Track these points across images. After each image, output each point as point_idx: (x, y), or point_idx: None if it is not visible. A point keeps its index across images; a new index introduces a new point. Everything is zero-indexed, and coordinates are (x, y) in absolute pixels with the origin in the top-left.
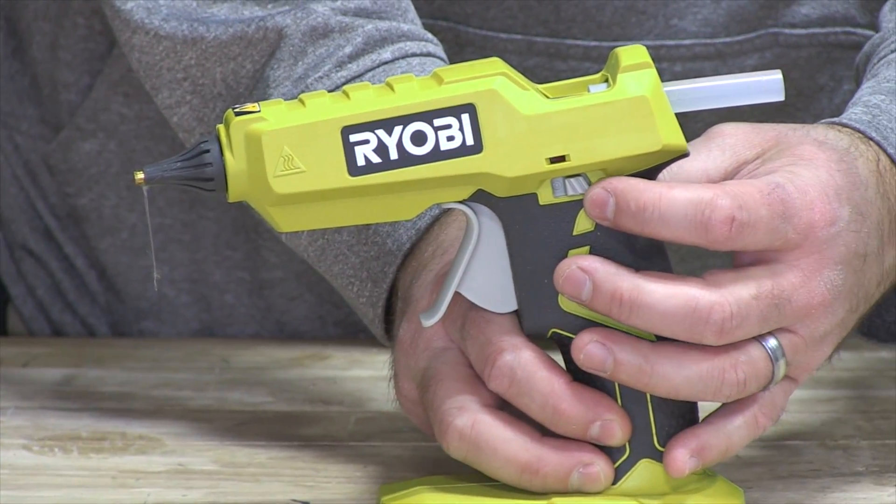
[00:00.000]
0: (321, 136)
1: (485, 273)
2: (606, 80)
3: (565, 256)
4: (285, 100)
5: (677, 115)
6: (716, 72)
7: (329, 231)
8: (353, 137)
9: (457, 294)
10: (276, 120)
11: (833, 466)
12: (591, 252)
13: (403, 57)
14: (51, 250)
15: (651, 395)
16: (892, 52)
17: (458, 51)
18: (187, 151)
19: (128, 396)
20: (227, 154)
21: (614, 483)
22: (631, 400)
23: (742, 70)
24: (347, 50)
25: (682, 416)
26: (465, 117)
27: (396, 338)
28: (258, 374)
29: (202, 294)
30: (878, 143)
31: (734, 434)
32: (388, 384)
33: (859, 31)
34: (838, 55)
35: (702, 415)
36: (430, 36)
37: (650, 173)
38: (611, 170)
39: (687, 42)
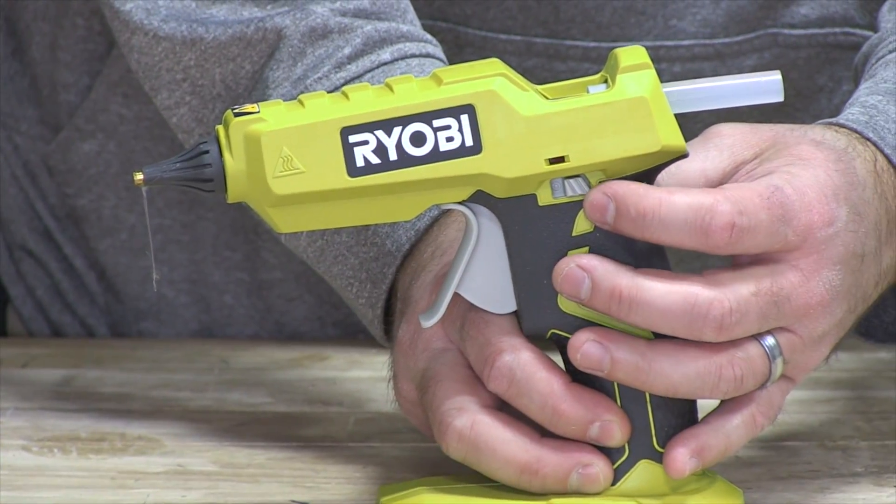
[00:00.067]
0: (320, 136)
1: (484, 274)
2: (606, 81)
3: (564, 257)
4: (284, 100)
5: (676, 115)
6: (715, 72)
7: (328, 232)
8: (353, 138)
9: (456, 295)
10: (275, 121)
11: (832, 467)
12: (591, 253)
13: (402, 58)
14: (50, 251)
15: (650, 396)
16: (889, 52)
17: (458, 52)
18: (186, 152)
19: (127, 397)
20: (227, 155)
21: (613, 484)
22: (630, 400)
23: (741, 70)
24: (346, 51)
25: (681, 416)
26: (465, 118)
27: (395, 339)
28: (257, 374)
29: (201, 295)
30: (874, 144)
31: (733, 434)
32: (388, 385)
33: (858, 31)
34: (837, 55)
35: (700, 415)
36: (429, 37)
37: (649, 174)
38: (610, 171)
39: (686, 43)
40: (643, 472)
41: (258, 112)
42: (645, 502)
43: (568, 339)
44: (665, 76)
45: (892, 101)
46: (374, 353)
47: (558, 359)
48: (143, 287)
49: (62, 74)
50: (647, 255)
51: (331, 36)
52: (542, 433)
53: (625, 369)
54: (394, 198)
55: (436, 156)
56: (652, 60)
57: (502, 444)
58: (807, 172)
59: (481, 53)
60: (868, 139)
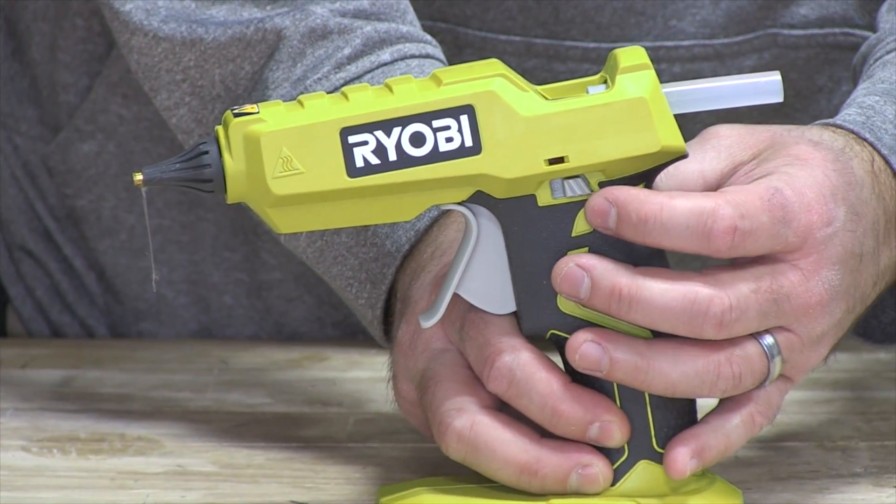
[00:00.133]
0: (320, 137)
1: (483, 274)
2: (605, 82)
3: (563, 257)
4: (284, 101)
5: (676, 116)
6: (714, 73)
7: (328, 232)
8: (352, 139)
9: (455, 295)
10: (274, 121)
11: (831, 468)
12: (590, 253)
13: (402, 58)
14: (50, 251)
15: (650, 396)
16: (887, 52)
17: (457, 52)
18: (186, 153)
19: (126, 398)
20: (226, 155)
21: (613, 484)
22: (630, 401)
23: (741, 71)
24: (346, 51)
25: (680, 417)
26: (464, 118)
27: (395, 339)
28: (257, 375)
29: (201, 295)
30: (871, 145)
31: (732, 434)
32: (387, 385)
33: (858, 31)
34: (837, 56)
35: (700, 415)
36: (428, 37)
37: (649, 175)
38: (610, 171)
39: (686, 43)
40: (643, 473)
41: (258, 113)
42: (644, 503)
43: (567, 339)
44: (664, 77)
45: (889, 102)
46: (374, 354)
47: (558, 359)
48: (143, 288)
49: (62, 75)
50: (646, 255)
51: (330, 37)
52: (542, 434)
53: (623, 369)
54: (393, 198)
55: (435, 156)
56: (651, 61)
57: (502, 444)
58: (805, 173)
59: (481, 54)
60: (865, 140)
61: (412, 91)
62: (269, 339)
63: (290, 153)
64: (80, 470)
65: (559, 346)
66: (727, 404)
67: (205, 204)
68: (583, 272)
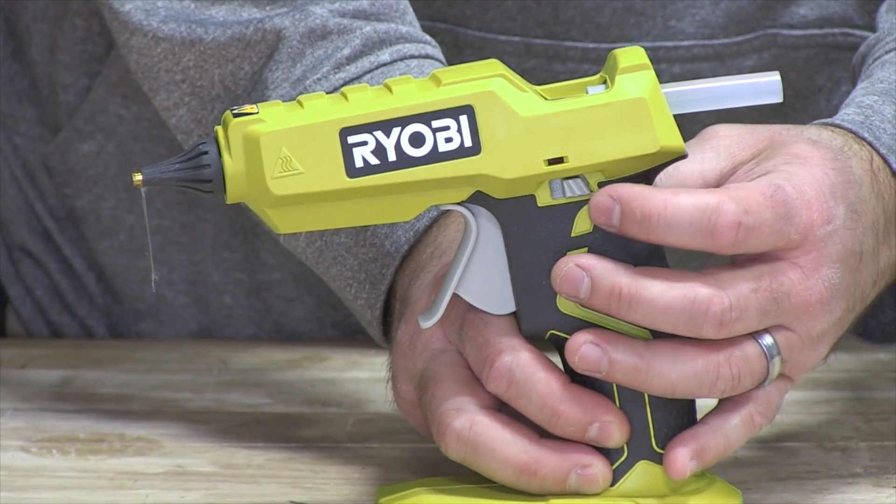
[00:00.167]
0: (319, 137)
1: (483, 275)
2: (605, 82)
3: (563, 257)
4: (283, 101)
5: (675, 116)
6: (714, 73)
7: (327, 233)
8: (352, 139)
9: (455, 295)
10: (274, 121)
11: (831, 468)
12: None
13: (402, 59)
14: (49, 252)
15: (649, 397)
16: (886, 52)
17: (457, 53)
18: (185, 153)
19: (126, 398)
20: (226, 155)
21: (612, 485)
22: (629, 401)
23: (740, 71)
24: (346, 52)
25: (680, 417)
26: (464, 119)
27: (394, 339)
28: (256, 375)
29: (200, 295)
30: (870, 144)
31: (732, 434)
32: (386, 386)
33: (857, 32)
34: (836, 56)
35: (699, 415)
36: (428, 38)
37: (648, 175)
38: (609, 171)
39: (685, 43)
40: (642, 473)
41: (257, 113)
42: (644, 503)
43: (566, 339)
44: (664, 77)
45: (888, 102)
46: (373, 354)
47: (557, 359)
48: (142, 288)
49: (61, 75)
50: (645, 256)
51: (330, 37)
52: (541, 434)
53: (623, 370)
54: (393, 198)
55: (435, 156)
56: (651, 61)
57: (501, 444)
58: (804, 171)
59: (480, 54)
60: (863, 139)
61: (411, 91)
62: (268, 340)
63: (289, 153)
64: (79, 470)
65: (558, 346)
66: (726, 404)
67: (204, 204)
68: (582, 272)
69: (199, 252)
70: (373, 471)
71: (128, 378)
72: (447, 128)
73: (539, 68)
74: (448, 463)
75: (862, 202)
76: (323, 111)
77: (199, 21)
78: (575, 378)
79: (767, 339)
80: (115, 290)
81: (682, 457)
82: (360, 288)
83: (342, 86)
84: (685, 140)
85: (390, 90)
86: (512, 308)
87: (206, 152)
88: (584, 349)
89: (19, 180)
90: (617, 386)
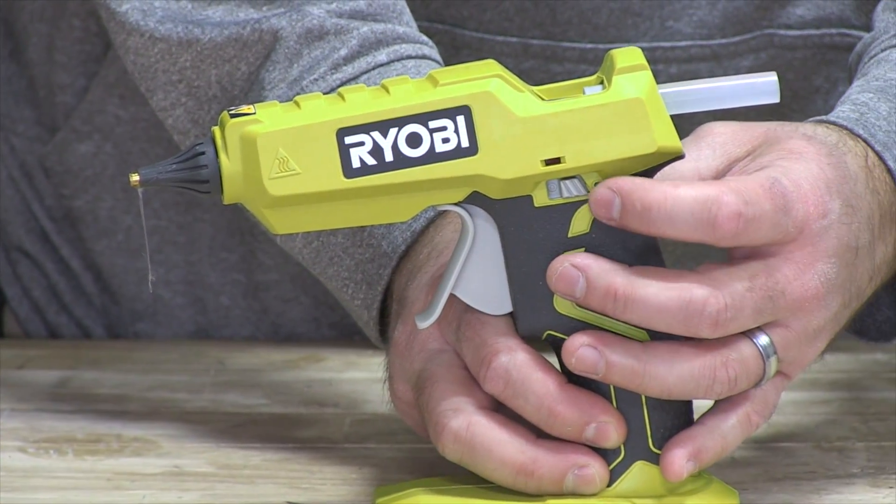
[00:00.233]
0: (316, 138)
1: (480, 275)
2: (602, 82)
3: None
4: (280, 102)
5: (673, 116)
6: (711, 73)
7: (324, 233)
8: (349, 139)
9: (452, 296)
10: (271, 122)
11: (828, 468)
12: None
13: (399, 59)
14: (47, 252)
15: (646, 398)
16: (882, 50)
17: (454, 53)
18: (182, 153)
19: (123, 398)
20: (223, 156)
21: (609, 485)
22: (626, 402)
23: (737, 71)
24: (343, 52)
25: (677, 417)
26: (461, 119)
27: (391, 340)
28: (253, 376)
29: (197, 296)
30: (865, 141)
31: (729, 434)
32: (383, 386)
33: (854, 32)
34: (833, 57)
35: (696, 415)
36: (425, 38)
37: (646, 175)
38: (606, 172)
39: (682, 44)
40: (639, 474)
41: (254, 113)
42: (640, 503)
43: (563, 340)
44: (661, 77)
45: (883, 99)
46: (370, 355)
47: (554, 360)
48: (140, 288)
49: (59, 76)
50: (643, 256)
51: (327, 37)
52: (538, 434)
53: (620, 372)
54: (390, 199)
55: (432, 157)
56: (648, 62)
57: (498, 445)
58: (799, 166)
59: (478, 55)
60: (858, 136)
61: (409, 92)
62: (265, 340)
63: (286, 154)
64: (76, 471)
65: (555, 346)
66: (723, 405)
67: (202, 205)
68: (578, 272)
69: (197, 252)
70: (370, 471)
71: (125, 378)
72: (444, 128)
73: (536, 69)
74: (445, 463)
75: (857, 197)
76: (320, 112)
77: (196, 21)
78: (572, 378)
79: (763, 339)
80: (112, 291)
81: (679, 458)
82: (356, 288)
83: (339, 86)
84: (681, 139)
85: (387, 91)
86: (509, 308)
87: (202, 153)
88: (582, 351)
89: (17, 181)
90: (614, 386)
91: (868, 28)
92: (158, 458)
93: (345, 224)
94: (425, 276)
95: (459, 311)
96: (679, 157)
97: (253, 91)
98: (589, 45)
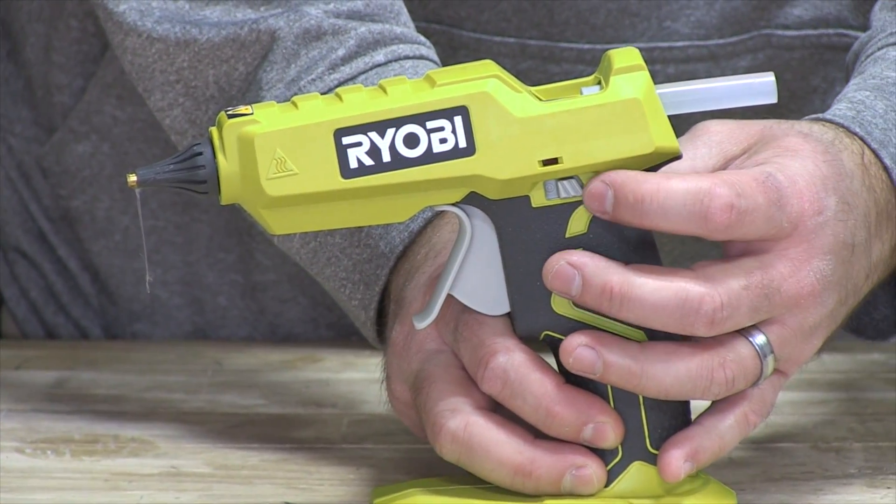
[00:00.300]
0: (314, 138)
1: (477, 275)
2: (599, 83)
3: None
4: (278, 102)
5: (670, 117)
6: (708, 73)
7: (321, 234)
8: (346, 140)
9: (450, 296)
10: (268, 122)
11: (825, 468)
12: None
13: (396, 59)
14: (44, 252)
15: (644, 398)
16: (878, 48)
17: (452, 54)
18: (180, 154)
19: (120, 399)
20: (220, 156)
21: (607, 485)
22: (623, 402)
23: (735, 72)
24: (340, 52)
25: (674, 418)
26: (458, 119)
27: (389, 340)
28: (251, 376)
29: (195, 296)
30: (861, 139)
31: (726, 434)
32: (381, 387)
33: (852, 32)
34: (831, 57)
35: (693, 415)
36: (422, 39)
37: None
38: (603, 172)
39: (680, 44)
40: (636, 474)
41: (252, 114)
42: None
43: (561, 340)
44: (659, 77)
45: (879, 97)
46: (368, 355)
47: (552, 360)
48: (137, 289)
49: (56, 76)
50: (640, 257)
51: (324, 37)
52: (536, 435)
53: (617, 373)
54: (387, 199)
55: (429, 157)
56: (646, 62)
57: (496, 445)
58: (795, 163)
59: (475, 55)
60: (855, 134)
61: (406, 92)
62: (263, 341)
63: (284, 154)
64: (74, 471)
65: (553, 346)
66: (721, 405)
67: (199, 205)
68: (574, 269)
69: (194, 253)
70: (367, 472)
71: (122, 379)
72: (442, 128)
73: (534, 69)
74: (443, 464)
75: (853, 195)
76: (317, 112)
77: (194, 21)
78: (569, 379)
79: (760, 339)
80: (109, 291)
81: (676, 459)
82: (354, 289)
83: (337, 86)
84: (678, 138)
85: (385, 91)
86: (506, 309)
87: (200, 153)
88: (579, 351)
89: (14, 181)
90: (611, 386)
91: (865, 28)
92: (156, 459)
93: (342, 224)
94: (423, 277)
95: (457, 311)
96: (677, 157)
97: (250, 91)
98: (586, 46)
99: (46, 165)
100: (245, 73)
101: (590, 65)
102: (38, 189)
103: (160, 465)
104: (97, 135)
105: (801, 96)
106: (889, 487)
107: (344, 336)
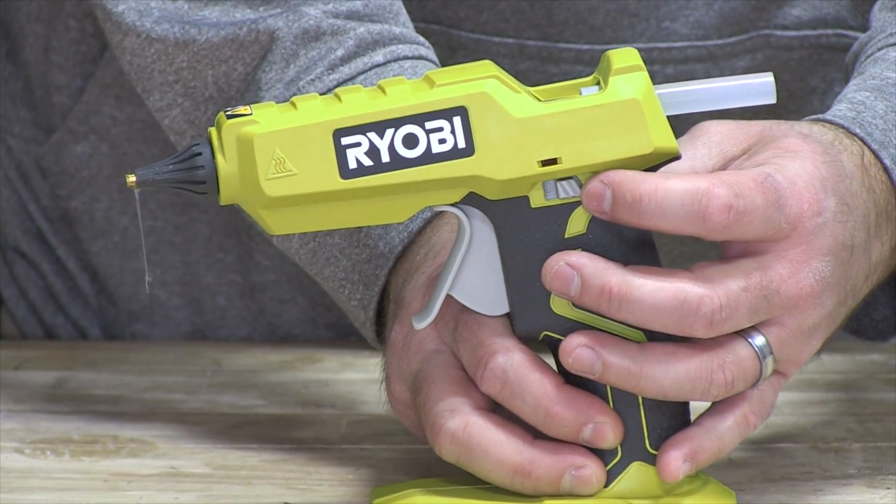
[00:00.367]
0: (313, 138)
1: (476, 276)
2: (598, 83)
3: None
4: (277, 102)
5: (669, 117)
6: (707, 74)
7: (320, 234)
8: (345, 140)
9: (449, 296)
10: (267, 123)
11: (825, 469)
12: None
13: (395, 60)
14: (43, 253)
15: (643, 398)
16: (878, 49)
17: (451, 54)
18: (179, 154)
19: (120, 399)
20: (219, 157)
21: (606, 486)
22: (623, 402)
23: (734, 72)
24: (339, 53)
25: (674, 418)
26: (457, 120)
27: (388, 340)
28: (250, 376)
29: (194, 297)
30: (861, 139)
31: (726, 435)
32: (380, 387)
33: (851, 32)
34: (830, 57)
35: (693, 415)
36: (421, 39)
37: None
38: (602, 172)
39: (679, 44)
40: (636, 474)
41: (251, 114)
42: None
43: (560, 340)
44: (658, 78)
45: (879, 98)
46: (367, 356)
47: (551, 360)
48: (136, 289)
49: (55, 76)
50: (639, 258)
51: (323, 38)
52: (535, 435)
53: (616, 373)
54: (386, 200)
55: (428, 158)
56: (644, 62)
57: (495, 445)
58: (795, 164)
59: (474, 56)
60: (855, 134)
61: (405, 92)
62: (262, 341)
63: (283, 155)
64: (73, 471)
65: (552, 347)
66: (720, 405)
67: (198, 205)
68: (573, 270)
69: (193, 253)
70: (367, 472)
71: (122, 379)
72: (441, 129)
73: (533, 70)
74: (442, 464)
75: (853, 196)
76: (316, 112)
77: (193, 22)
78: (569, 379)
79: (759, 340)
80: (108, 292)
81: (675, 460)
82: (353, 289)
83: (336, 87)
84: (677, 139)
85: (384, 91)
86: (506, 309)
87: (199, 153)
88: (578, 352)
89: (13, 181)
90: (611, 387)
91: (864, 28)
92: (155, 459)
93: (341, 225)
94: (422, 277)
95: (456, 311)
96: (676, 157)
97: (249, 91)
98: (585, 46)
99: (45, 166)
100: (244, 73)
101: (589, 65)
102: (37, 189)
103: (159, 466)
104: (96, 135)
105: (800, 97)
106: (888, 488)
107: (343, 336)
